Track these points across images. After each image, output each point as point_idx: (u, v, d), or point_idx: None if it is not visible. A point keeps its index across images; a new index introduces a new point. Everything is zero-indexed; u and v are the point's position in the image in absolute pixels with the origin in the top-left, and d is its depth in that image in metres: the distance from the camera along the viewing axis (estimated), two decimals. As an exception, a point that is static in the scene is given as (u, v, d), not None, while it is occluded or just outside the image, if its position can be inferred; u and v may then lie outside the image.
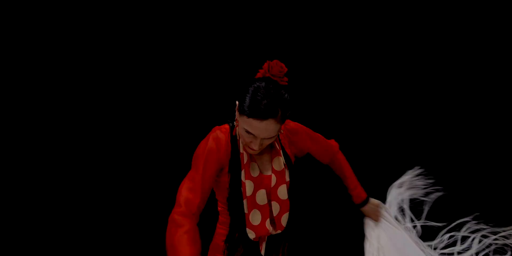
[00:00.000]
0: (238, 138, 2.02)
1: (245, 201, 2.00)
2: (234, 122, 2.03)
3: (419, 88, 3.54)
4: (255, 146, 1.93)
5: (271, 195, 2.04)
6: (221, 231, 2.11)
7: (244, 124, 1.91)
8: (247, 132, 1.91)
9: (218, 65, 3.51)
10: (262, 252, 2.07)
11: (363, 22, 3.51)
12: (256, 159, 2.05)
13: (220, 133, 2.01)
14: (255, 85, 1.91)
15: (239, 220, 2.02)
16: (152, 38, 3.50)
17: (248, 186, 1.99)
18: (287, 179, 2.07)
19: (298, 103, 2.06)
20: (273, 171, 2.05)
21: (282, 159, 2.07)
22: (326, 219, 3.53)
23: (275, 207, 2.05)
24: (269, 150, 2.08)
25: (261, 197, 2.02)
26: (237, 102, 1.95)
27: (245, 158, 2.00)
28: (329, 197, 3.48)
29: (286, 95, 1.92)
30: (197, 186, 1.94)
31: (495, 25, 3.41)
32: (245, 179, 1.99)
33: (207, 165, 1.97)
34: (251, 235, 2.02)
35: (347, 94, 3.56)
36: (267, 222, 2.04)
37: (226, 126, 2.05)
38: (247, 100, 1.89)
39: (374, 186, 3.48)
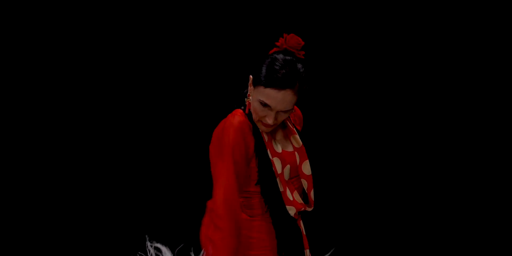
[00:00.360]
0: None
1: (278, 180, 1.94)
2: (246, 99, 1.97)
3: (416, 88, 3.52)
4: (270, 120, 1.88)
5: (299, 172, 2.01)
6: (256, 223, 2.00)
7: (260, 95, 1.86)
8: (263, 104, 1.86)
9: (216, 64, 3.49)
10: (304, 232, 2.04)
11: (363, 21, 3.50)
12: (273, 139, 2.01)
13: (238, 118, 1.91)
14: (272, 57, 1.88)
15: (276, 201, 1.95)
16: (150, 36, 3.49)
17: (277, 164, 1.93)
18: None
19: (314, 79, 1.97)
20: (294, 148, 2.02)
21: (297, 136, 2.04)
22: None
23: (304, 184, 2.02)
24: (282, 128, 2.05)
25: (287, 173, 1.97)
26: (250, 76, 1.91)
27: (266, 137, 1.95)
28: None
29: (303, 68, 1.89)
30: (233, 183, 1.88)
31: (495, 25, 3.40)
32: (272, 156, 1.94)
33: (238, 157, 1.90)
34: (292, 211, 1.96)
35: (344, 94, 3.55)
36: (295, 194, 1.99)
37: (239, 110, 1.98)
38: (264, 70, 1.85)
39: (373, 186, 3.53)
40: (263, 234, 1.97)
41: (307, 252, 2.05)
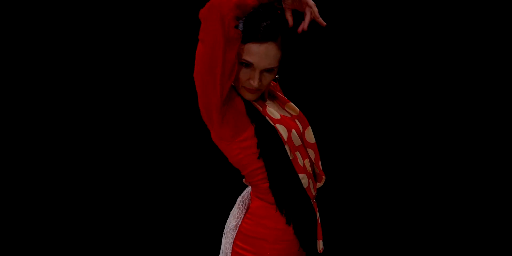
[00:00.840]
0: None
1: (287, 146, 1.76)
2: None
3: (415, 88, 3.51)
4: (255, 82, 1.72)
5: (302, 140, 1.84)
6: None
7: (241, 54, 1.69)
8: (245, 65, 1.71)
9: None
10: (319, 220, 1.86)
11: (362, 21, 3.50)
12: (267, 106, 1.83)
13: None
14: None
15: (286, 171, 1.77)
16: (149, 35, 3.49)
17: (281, 130, 1.76)
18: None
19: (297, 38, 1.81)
20: (293, 116, 1.87)
21: (292, 104, 1.89)
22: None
23: (311, 153, 1.85)
24: (272, 99, 1.90)
25: (295, 137, 1.79)
26: None
27: (260, 106, 1.79)
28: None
29: (284, 20, 1.74)
30: None
31: (495, 25, 3.39)
32: (274, 123, 1.76)
33: None
34: (305, 180, 1.79)
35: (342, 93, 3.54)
36: (307, 162, 1.82)
37: None
38: (242, 25, 1.67)
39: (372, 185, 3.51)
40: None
41: (320, 243, 1.87)
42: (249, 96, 1.77)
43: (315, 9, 1.74)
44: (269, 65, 1.71)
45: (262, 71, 1.72)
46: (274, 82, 1.99)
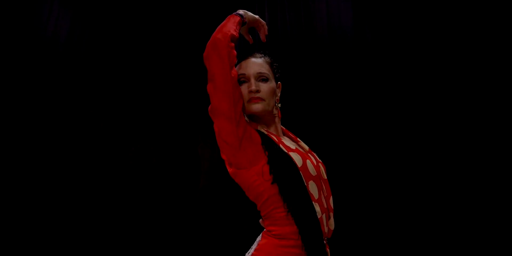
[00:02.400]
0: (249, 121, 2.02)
1: (301, 174, 1.90)
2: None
3: (414, 89, 3.52)
4: (252, 86, 2.00)
5: (318, 173, 1.97)
6: (288, 249, 1.88)
7: (238, 73, 2.01)
8: (242, 81, 2.02)
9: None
10: (328, 251, 1.93)
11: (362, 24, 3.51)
12: (282, 139, 2.02)
13: None
14: None
15: (300, 197, 1.86)
16: (150, 38, 3.50)
17: (295, 157, 1.92)
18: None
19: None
20: (306, 151, 2.04)
21: (303, 143, 2.09)
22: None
23: (324, 188, 1.97)
24: (289, 138, 2.10)
25: (311, 166, 1.94)
26: None
27: (275, 138, 1.97)
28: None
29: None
30: None
31: (495, 25, 3.40)
32: (288, 151, 1.93)
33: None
34: (318, 209, 1.88)
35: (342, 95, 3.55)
36: (321, 193, 1.91)
37: None
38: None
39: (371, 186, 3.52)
40: None
41: None
42: (256, 106, 2.00)
43: (266, 27, 2.17)
44: (259, 70, 2.04)
45: (256, 79, 2.02)
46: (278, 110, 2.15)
